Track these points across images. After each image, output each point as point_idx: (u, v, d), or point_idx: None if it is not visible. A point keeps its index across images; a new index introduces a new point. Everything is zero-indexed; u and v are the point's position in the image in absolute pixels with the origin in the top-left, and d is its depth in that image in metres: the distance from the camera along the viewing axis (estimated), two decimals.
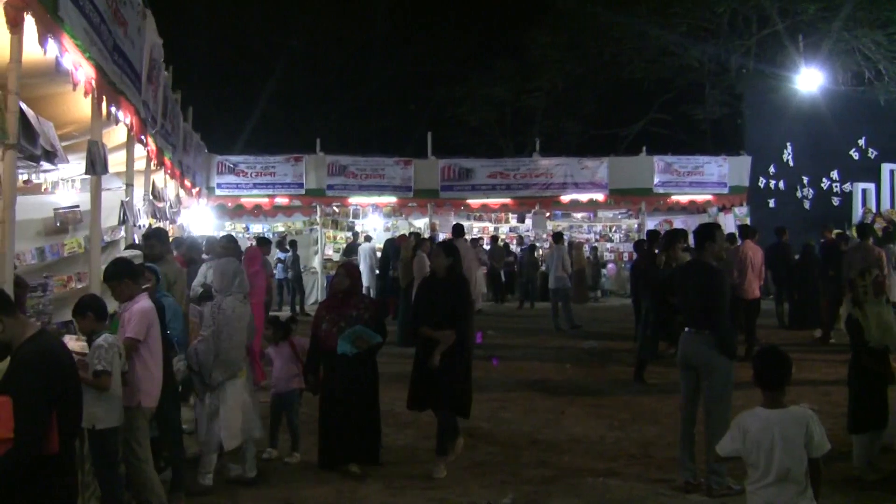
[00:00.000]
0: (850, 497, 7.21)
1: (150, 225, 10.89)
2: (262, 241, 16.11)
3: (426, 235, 20.55)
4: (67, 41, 5.88)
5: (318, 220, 25.80)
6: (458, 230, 15.78)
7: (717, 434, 7.05)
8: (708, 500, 7.15)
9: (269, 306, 14.22)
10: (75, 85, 6.32)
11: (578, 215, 28.49)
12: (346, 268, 8.56)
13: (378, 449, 8.20)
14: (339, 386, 7.91)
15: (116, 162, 9.50)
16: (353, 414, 7.90)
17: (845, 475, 7.61)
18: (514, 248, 26.96)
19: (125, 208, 9.38)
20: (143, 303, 6.47)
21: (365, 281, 23.85)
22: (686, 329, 7.65)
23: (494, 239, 26.89)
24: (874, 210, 23.93)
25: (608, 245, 28.38)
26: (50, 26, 5.46)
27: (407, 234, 20.52)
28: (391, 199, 25.81)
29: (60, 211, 11.67)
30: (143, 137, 9.68)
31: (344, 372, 7.87)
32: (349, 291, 8.16)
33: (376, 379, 8.18)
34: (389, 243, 20.61)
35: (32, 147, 6.71)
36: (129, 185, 9.55)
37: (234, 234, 19.10)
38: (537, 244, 26.29)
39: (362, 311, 8.02)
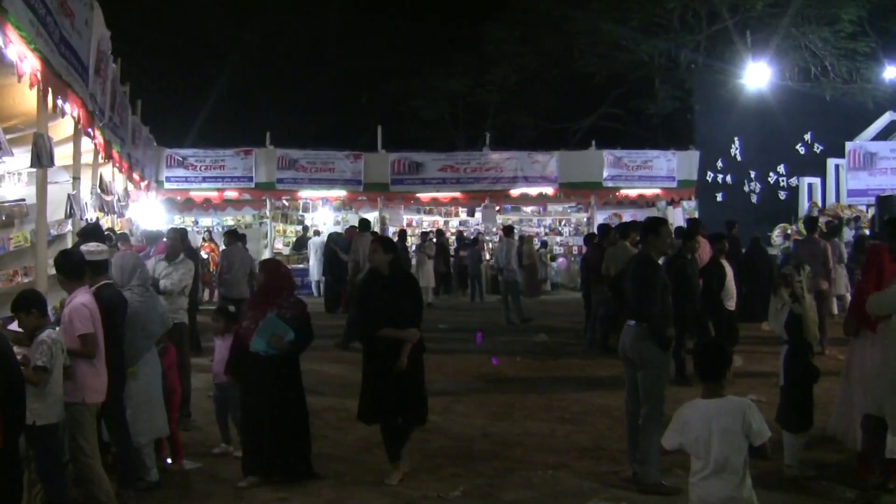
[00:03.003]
0: (806, 490, 7.24)
1: (98, 219, 10.77)
2: (233, 234, 15.76)
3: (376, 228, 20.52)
4: (12, 32, 5.78)
5: (267, 213, 25.76)
6: (364, 224, 15.74)
7: (648, 426, 7.13)
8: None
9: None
10: (20, 77, 6.24)
11: (528, 209, 28.64)
12: (262, 264, 8.59)
13: (308, 460, 7.72)
14: (257, 387, 7.49)
15: (63, 155, 9.39)
16: (275, 417, 7.43)
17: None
18: (454, 243, 26.92)
19: (72, 202, 9.28)
20: (81, 297, 6.37)
21: (315, 275, 23.84)
22: (627, 322, 7.70)
23: (440, 233, 26.71)
24: (820, 204, 24.30)
25: (558, 239, 28.50)
26: None
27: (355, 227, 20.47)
28: (341, 193, 25.82)
29: (6, 204, 11.51)
30: (90, 130, 9.57)
31: (261, 372, 7.43)
32: (269, 290, 7.79)
33: (299, 383, 7.74)
34: (337, 236, 20.53)
35: None
36: (77, 179, 9.46)
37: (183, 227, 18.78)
38: (486, 237, 26.32)
39: (285, 311, 7.56)
